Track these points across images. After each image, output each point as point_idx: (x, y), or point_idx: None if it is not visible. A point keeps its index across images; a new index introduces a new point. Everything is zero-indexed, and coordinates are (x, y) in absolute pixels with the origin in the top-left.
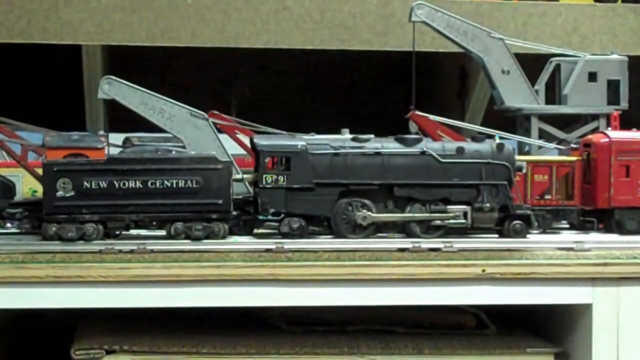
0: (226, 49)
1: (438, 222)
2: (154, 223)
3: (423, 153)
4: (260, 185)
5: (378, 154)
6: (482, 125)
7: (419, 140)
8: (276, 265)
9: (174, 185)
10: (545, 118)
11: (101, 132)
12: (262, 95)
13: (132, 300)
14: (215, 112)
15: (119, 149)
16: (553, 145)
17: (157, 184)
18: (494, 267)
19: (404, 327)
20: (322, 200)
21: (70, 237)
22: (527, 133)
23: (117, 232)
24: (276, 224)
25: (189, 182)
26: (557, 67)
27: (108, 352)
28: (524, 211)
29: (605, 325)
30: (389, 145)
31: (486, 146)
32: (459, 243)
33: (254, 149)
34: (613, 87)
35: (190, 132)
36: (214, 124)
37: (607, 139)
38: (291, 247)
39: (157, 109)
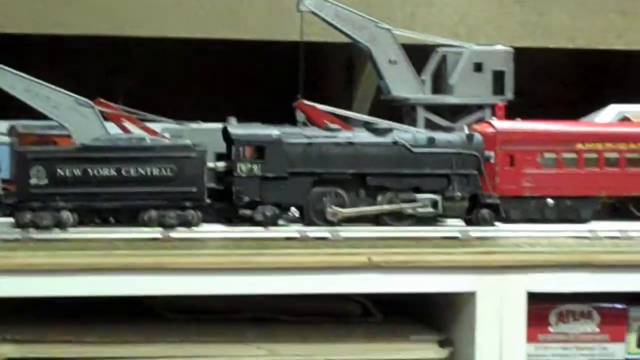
0: (113, 37)
1: (409, 211)
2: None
3: (395, 143)
4: (235, 174)
5: (351, 143)
6: (369, 115)
7: (390, 130)
8: (162, 254)
9: (148, 173)
10: (431, 108)
11: None
12: (150, 83)
13: (17, 289)
14: (102, 100)
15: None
16: None
17: (131, 172)
18: (380, 255)
19: (290, 316)
20: (296, 189)
21: (45, 225)
22: (413, 123)
23: (93, 220)
24: (250, 212)
25: (163, 169)
26: (444, 58)
27: None
28: (493, 200)
29: (489, 314)
30: (362, 135)
31: (456, 136)
32: (346, 232)
33: (227, 138)
34: (498, 77)
35: (76, 120)
36: (101, 112)
37: (492, 129)
38: (177, 235)
39: (42, 97)
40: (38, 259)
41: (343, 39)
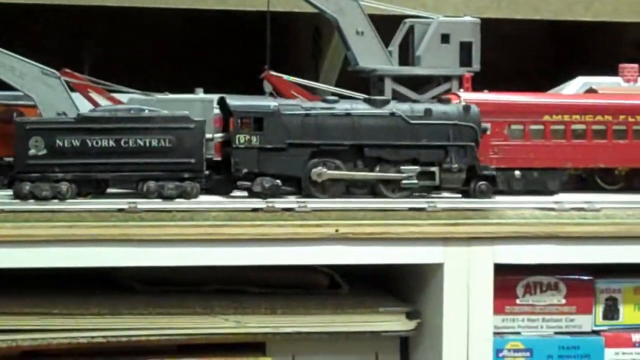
0: (79, 6)
1: (406, 182)
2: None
3: (392, 114)
4: (234, 145)
5: (348, 114)
6: (336, 85)
7: (387, 102)
8: (129, 225)
9: (147, 144)
10: (398, 79)
11: None
12: (116, 54)
13: None
14: (68, 70)
15: None
16: None
17: (130, 143)
18: (347, 227)
19: (257, 287)
20: (294, 160)
21: (44, 196)
22: (380, 94)
23: (89, 191)
24: (248, 183)
25: (161, 141)
26: (411, 29)
27: None
28: (489, 172)
29: (456, 284)
30: (359, 107)
31: (453, 108)
32: (313, 203)
33: (225, 110)
34: (465, 49)
35: (42, 90)
36: (67, 82)
37: (459, 101)
38: (144, 207)
39: (7, 67)
40: (4, 230)
41: (310, 10)
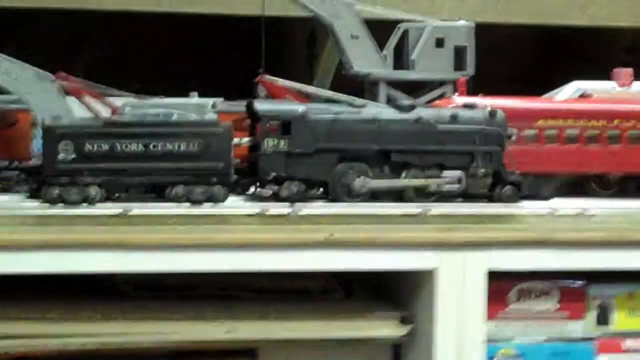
0: (73, 10)
1: (434, 188)
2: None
3: (419, 119)
4: (261, 150)
5: (375, 119)
6: (330, 90)
7: (413, 107)
8: (122, 231)
9: (175, 149)
10: (393, 83)
11: None
12: (111, 58)
13: None
14: (63, 73)
15: None
16: None
17: (159, 147)
18: (341, 232)
19: (250, 293)
20: (321, 164)
21: (74, 200)
22: (375, 98)
23: (117, 195)
24: (276, 188)
25: (190, 145)
26: (405, 33)
27: None
28: (515, 177)
29: (449, 291)
30: (385, 112)
31: (479, 113)
32: (307, 208)
33: (252, 114)
34: (460, 53)
35: (37, 93)
36: (62, 86)
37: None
38: (137, 212)
39: (2, 70)
40: None
41: (305, 13)
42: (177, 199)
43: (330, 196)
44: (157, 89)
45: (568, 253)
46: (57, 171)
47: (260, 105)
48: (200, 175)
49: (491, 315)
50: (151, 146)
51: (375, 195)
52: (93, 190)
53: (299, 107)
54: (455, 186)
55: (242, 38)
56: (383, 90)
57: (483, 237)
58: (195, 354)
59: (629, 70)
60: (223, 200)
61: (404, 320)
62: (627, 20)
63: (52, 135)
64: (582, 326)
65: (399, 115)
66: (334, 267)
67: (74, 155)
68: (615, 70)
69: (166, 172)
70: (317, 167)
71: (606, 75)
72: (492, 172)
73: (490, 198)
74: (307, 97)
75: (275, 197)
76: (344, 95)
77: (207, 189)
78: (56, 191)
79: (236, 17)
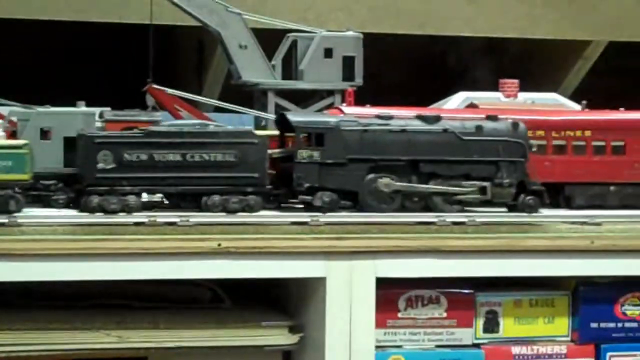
0: None
1: (460, 197)
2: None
3: (445, 131)
4: (295, 160)
5: (404, 130)
6: (219, 99)
7: (439, 118)
8: (9, 239)
9: (212, 159)
10: (282, 93)
11: None
12: None
13: None
14: None
15: None
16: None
17: (196, 157)
18: (230, 241)
19: (139, 302)
20: (353, 175)
21: (113, 209)
22: (264, 108)
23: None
24: (309, 198)
25: (226, 155)
26: (294, 43)
27: None
28: (538, 187)
29: (338, 299)
30: (413, 123)
31: (502, 125)
32: (195, 217)
33: (285, 125)
34: (348, 63)
35: None
36: None
37: (341, 115)
38: (25, 221)
39: None
40: None
41: (193, 22)
42: (213, 209)
43: (359, 205)
44: (44, 98)
45: (455, 261)
46: (96, 180)
47: (294, 117)
48: (236, 185)
49: (380, 323)
50: (188, 156)
51: (404, 205)
52: (132, 200)
53: (332, 119)
54: (481, 196)
55: (131, 47)
56: (272, 100)
57: (371, 245)
58: None
59: (515, 81)
60: (258, 210)
61: (294, 329)
62: (512, 32)
63: (90, 145)
64: (471, 333)
65: (426, 127)
66: (222, 275)
67: (113, 165)
68: (501, 80)
69: (203, 182)
70: (348, 178)
71: (496, 86)
72: (516, 182)
73: (513, 207)
74: (195, 106)
75: (309, 207)
76: (233, 105)
77: (242, 199)
78: (96, 200)
79: (125, 25)
